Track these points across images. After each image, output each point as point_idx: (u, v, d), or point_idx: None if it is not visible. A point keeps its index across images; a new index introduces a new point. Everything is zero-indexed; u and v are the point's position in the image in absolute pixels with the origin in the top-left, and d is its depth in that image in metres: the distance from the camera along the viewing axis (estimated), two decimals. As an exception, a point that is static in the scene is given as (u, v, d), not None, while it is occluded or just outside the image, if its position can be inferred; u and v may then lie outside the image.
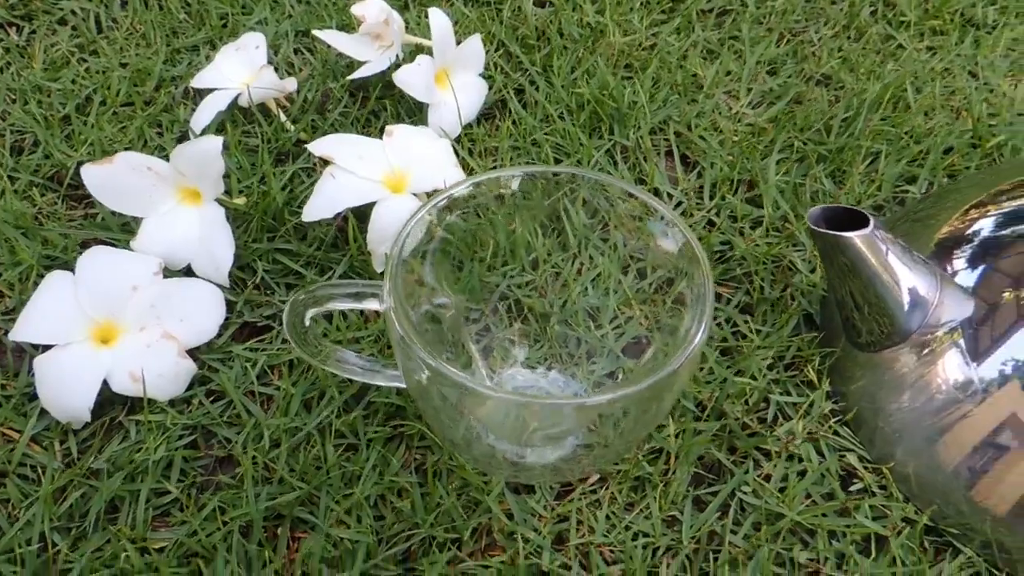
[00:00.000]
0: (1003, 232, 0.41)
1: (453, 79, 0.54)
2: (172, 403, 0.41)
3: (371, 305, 0.35)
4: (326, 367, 0.38)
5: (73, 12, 0.64)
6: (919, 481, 0.40)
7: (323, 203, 0.44)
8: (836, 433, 0.42)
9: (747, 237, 0.50)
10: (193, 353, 0.42)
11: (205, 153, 0.42)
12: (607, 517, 0.39)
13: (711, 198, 0.53)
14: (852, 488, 0.40)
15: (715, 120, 0.58)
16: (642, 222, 0.36)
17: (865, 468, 0.41)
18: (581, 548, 0.38)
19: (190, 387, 0.42)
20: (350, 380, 0.42)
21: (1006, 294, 0.39)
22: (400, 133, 0.47)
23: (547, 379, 0.42)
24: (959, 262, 0.42)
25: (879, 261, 0.39)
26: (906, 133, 0.57)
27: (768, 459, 0.41)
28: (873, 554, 0.38)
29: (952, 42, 0.66)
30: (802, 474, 0.40)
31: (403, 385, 0.40)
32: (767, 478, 0.40)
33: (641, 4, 0.68)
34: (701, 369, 0.44)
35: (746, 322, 0.46)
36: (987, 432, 0.38)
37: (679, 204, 0.52)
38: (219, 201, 0.45)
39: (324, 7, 0.65)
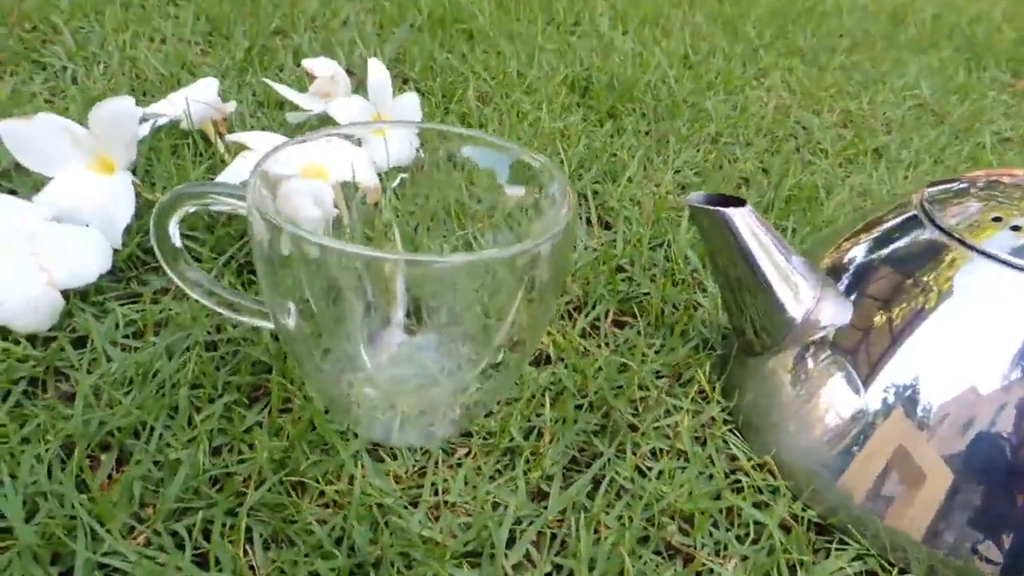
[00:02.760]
0: (872, 257, 0.42)
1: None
2: (32, 339, 0.39)
3: (235, 204, 0.35)
4: (191, 291, 0.36)
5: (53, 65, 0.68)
6: (804, 480, 0.37)
7: (230, 177, 0.45)
8: (725, 441, 0.40)
9: (656, 282, 0.51)
10: (67, 296, 0.41)
11: (119, 113, 0.44)
12: (466, 480, 0.35)
13: (624, 247, 0.54)
14: (737, 484, 0.37)
15: (636, 196, 0.60)
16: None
17: (754, 469, 0.38)
18: (432, 508, 0.34)
19: (56, 328, 0.40)
20: (218, 314, 0.40)
21: (877, 317, 0.39)
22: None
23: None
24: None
25: (758, 241, 0.39)
26: (818, 221, 0.59)
27: (654, 457, 0.38)
28: (754, 541, 0.35)
29: (866, 166, 0.71)
30: (683, 469, 0.38)
31: (270, 324, 0.38)
32: (648, 470, 0.37)
33: (583, 118, 0.73)
34: (586, 354, 0.42)
35: (639, 333, 0.45)
36: (871, 438, 0.36)
37: (594, 252, 0.53)
38: (135, 188, 0.46)
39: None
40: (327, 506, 0.33)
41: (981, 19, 1.14)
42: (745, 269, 0.39)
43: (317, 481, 0.34)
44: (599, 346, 0.44)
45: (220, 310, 0.37)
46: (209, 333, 0.41)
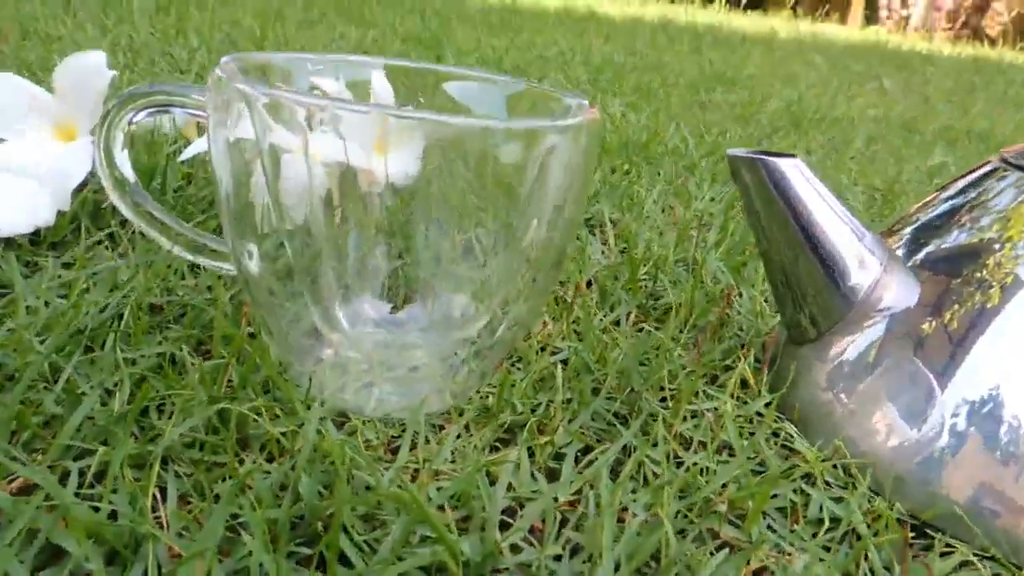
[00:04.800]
0: (947, 220, 0.36)
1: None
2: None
3: (191, 112, 0.29)
4: (136, 219, 0.30)
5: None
6: (885, 475, 0.29)
7: (202, 145, 0.40)
8: (776, 434, 0.32)
9: (682, 285, 0.44)
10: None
11: (88, 67, 0.39)
12: (453, 451, 0.28)
13: (644, 254, 0.47)
14: (796, 476, 0.29)
15: (657, 224, 0.55)
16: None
17: (818, 462, 0.30)
18: (407, 471, 0.26)
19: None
20: (168, 255, 0.34)
21: (956, 291, 0.32)
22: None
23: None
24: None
25: (817, 193, 0.33)
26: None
27: (689, 450, 0.31)
28: (832, 542, 0.26)
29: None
30: (727, 462, 0.30)
31: (229, 267, 0.32)
32: (682, 461, 0.30)
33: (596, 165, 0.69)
34: (608, 346, 0.35)
35: (657, 327, 0.38)
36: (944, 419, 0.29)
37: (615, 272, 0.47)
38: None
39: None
40: (271, 459, 0.26)
41: (994, 130, 1.13)
42: (799, 229, 0.33)
43: (256, 419, 0.26)
44: (615, 339, 0.37)
45: (172, 246, 0.31)
46: (155, 293, 0.34)
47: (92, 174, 0.40)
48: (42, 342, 0.29)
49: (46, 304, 0.33)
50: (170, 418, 0.26)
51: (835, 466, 0.30)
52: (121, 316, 0.32)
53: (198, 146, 0.41)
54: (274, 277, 0.30)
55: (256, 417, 0.26)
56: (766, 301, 0.43)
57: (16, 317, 0.31)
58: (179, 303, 0.34)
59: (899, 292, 0.33)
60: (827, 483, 0.29)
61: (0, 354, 0.28)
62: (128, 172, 0.31)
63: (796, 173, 0.33)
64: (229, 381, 0.28)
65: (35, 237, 0.38)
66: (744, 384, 0.35)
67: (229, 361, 0.27)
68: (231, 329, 0.30)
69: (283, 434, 0.26)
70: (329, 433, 0.26)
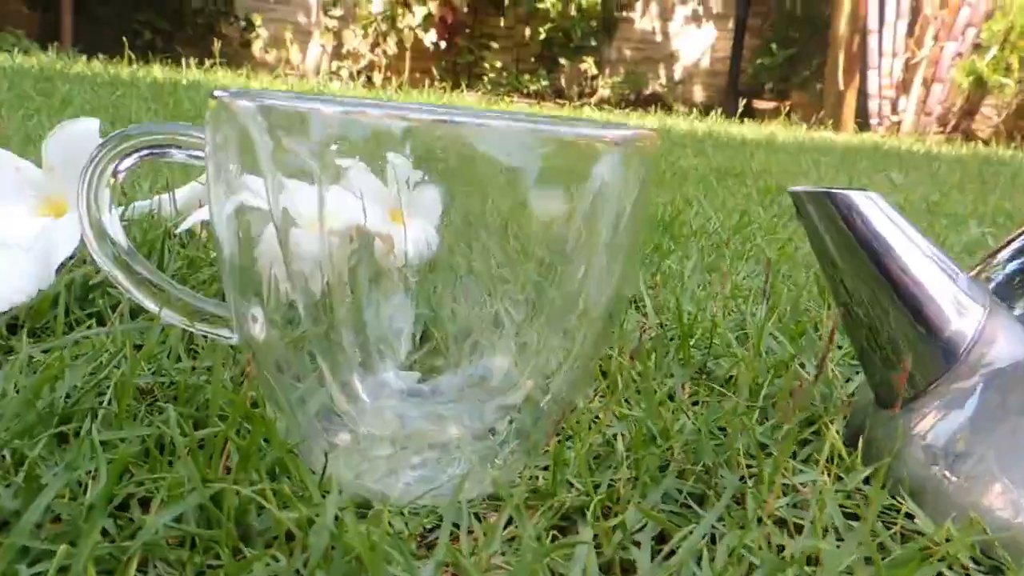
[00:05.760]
0: None
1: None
2: None
3: (190, 154, 0.26)
4: (122, 280, 0.26)
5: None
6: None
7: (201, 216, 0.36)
8: (886, 510, 0.27)
9: (741, 351, 0.39)
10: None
11: (80, 135, 0.36)
12: (503, 541, 0.22)
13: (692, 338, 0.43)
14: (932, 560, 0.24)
15: (698, 297, 0.50)
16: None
17: (946, 542, 0.25)
18: (450, 567, 0.21)
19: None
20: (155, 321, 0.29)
21: None
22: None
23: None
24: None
25: (898, 228, 0.29)
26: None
27: (782, 528, 0.25)
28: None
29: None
30: (837, 536, 0.24)
31: (230, 335, 0.27)
32: (781, 548, 0.24)
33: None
34: (670, 419, 0.30)
35: (720, 399, 0.33)
36: None
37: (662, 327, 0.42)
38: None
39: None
40: (277, 559, 0.20)
41: (1020, 210, 1.10)
42: (882, 272, 0.29)
43: (262, 507, 0.21)
44: (673, 411, 0.32)
45: (160, 308, 0.27)
46: (143, 372, 0.29)
47: (79, 253, 0.36)
48: (6, 429, 0.25)
49: (16, 389, 0.28)
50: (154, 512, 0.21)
51: (975, 547, 0.24)
52: (102, 397, 0.27)
53: (200, 215, 0.37)
54: (283, 346, 0.26)
55: (263, 503, 0.21)
56: (839, 365, 0.38)
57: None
58: (171, 384, 0.29)
59: (1007, 341, 0.29)
60: (963, 568, 0.24)
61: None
62: (117, 231, 0.27)
63: (872, 206, 0.29)
64: (227, 462, 0.23)
65: (13, 321, 0.34)
66: (831, 457, 0.30)
67: (227, 433, 0.22)
68: (231, 395, 0.25)
69: (294, 524, 0.21)
70: (351, 523, 0.21)
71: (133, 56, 2.42)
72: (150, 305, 0.27)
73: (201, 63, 2.73)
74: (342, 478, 0.25)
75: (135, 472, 0.23)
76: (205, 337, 0.34)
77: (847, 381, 0.38)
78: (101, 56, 2.43)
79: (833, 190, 0.29)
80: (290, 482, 0.22)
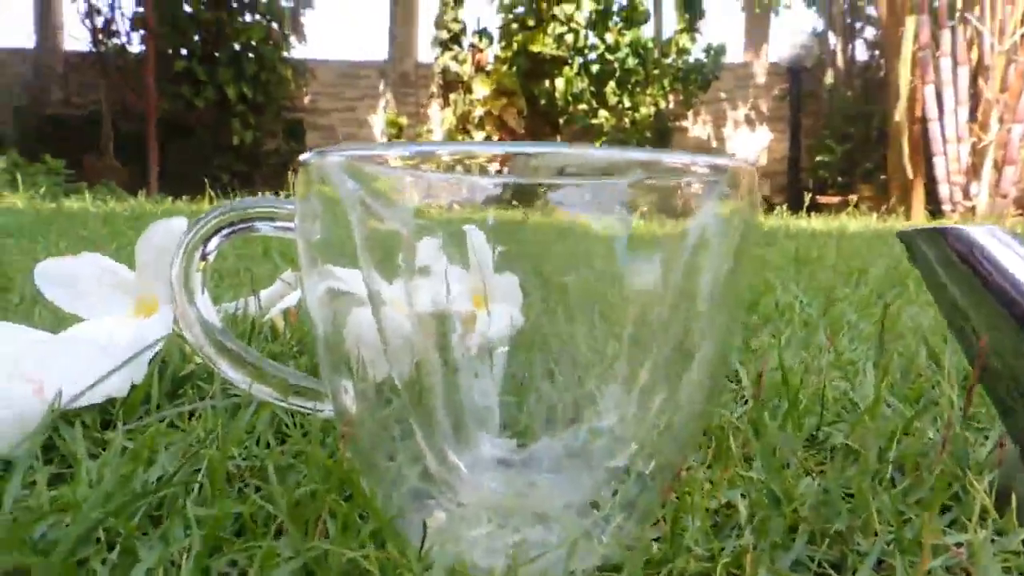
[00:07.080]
0: None
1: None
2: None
3: (285, 227, 0.26)
4: (213, 356, 0.26)
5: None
6: None
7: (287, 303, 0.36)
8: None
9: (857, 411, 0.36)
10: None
11: (168, 233, 0.37)
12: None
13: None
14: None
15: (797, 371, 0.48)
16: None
17: None
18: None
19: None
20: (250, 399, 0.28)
21: None
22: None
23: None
24: None
25: (1020, 266, 0.27)
26: None
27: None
28: None
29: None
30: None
31: (327, 410, 0.26)
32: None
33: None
34: (791, 482, 0.27)
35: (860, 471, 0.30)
36: None
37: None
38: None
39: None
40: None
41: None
42: (1013, 312, 0.27)
43: (367, 566, 0.19)
44: (791, 477, 0.30)
45: (252, 385, 0.26)
46: (233, 458, 0.29)
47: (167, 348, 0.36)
48: (101, 508, 0.24)
49: (107, 475, 0.27)
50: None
51: None
52: (194, 476, 0.26)
53: (286, 302, 0.37)
54: (377, 420, 0.25)
55: (367, 567, 0.19)
56: (969, 421, 0.35)
57: (76, 486, 0.26)
58: (261, 467, 0.28)
59: None
60: None
61: (52, 520, 0.22)
62: (210, 312, 0.27)
63: (993, 241, 0.27)
64: (323, 532, 0.22)
65: (108, 417, 0.34)
66: (982, 516, 0.27)
67: (326, 499, 0.21)
68: (327, 462, 0.24)
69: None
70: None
71: (213, 195, 2.55)
72: (242, 380, 0.26)
73: (276, 194, 2.86)
74: (442, 551, 0.23)
75: (226, 549, 0.22)
76: (295, 423, 0.34)
77: (982, 441, 0.34)
78: (184, 197, 2.58)
79: (947, 227, 0.27)
80: (393, 551, 0.21)
